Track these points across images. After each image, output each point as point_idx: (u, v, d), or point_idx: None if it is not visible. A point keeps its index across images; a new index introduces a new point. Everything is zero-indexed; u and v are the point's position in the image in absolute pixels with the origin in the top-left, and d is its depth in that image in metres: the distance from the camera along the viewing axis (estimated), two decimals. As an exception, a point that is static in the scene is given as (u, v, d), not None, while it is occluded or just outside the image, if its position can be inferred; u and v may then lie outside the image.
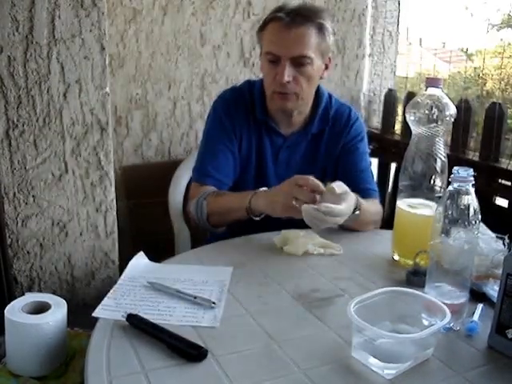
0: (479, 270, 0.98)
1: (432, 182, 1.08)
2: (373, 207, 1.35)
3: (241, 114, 1.40)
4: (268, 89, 1.35)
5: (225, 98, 1.44)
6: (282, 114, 1.40)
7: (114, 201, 1.31)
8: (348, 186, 1.17)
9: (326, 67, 1.37)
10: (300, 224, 1.27)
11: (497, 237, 1.04)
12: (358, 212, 1.21)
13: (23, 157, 1.18)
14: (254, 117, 1.41)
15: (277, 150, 1.43)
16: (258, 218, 1.24)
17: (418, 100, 1.08)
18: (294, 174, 1.34)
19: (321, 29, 1.29)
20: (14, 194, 1.19)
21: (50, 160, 1.21)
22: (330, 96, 1.46)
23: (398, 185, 1.12)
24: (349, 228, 1.30)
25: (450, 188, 0.88)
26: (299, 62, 1.28)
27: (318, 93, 1.42)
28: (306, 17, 1.28)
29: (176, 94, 1.93)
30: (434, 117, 1.05)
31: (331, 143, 1.44)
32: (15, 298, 1.01)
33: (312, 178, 1.13)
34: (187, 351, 0.77)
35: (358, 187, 1.31)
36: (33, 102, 1.16)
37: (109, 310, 0.91)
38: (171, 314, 0.89)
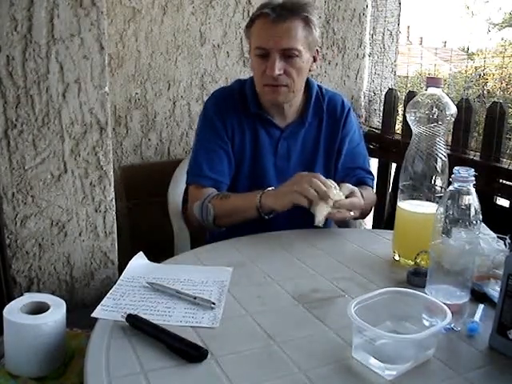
0: (480, 271, 0.98)
1: (433, 181, 1.07)
2: (370, 196, 1.45)
3: (231, 110, 1.42)
4: (258, 83, 1.37)
5: (215, 97, 1.47)
6: (275, 107, 1.42)
7: (114, 201, 1.31)
8: (347, 177, 1.41)
9: (314, 59, 1.41)
10: (299, 224, 1.27)
11: (498, 237, 1.04)
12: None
13: (22, 157, 1.17)
14: (246, 112, 1.42)
15: (275, 141, 1.44)
16: (267, 217, 1.27)
17: (419, 100, 1.07)
18: (295, 166, 1.44)
19: (307, 22, 1.33)
20: (13, 194, 1.19)
21: (49, 160, 1.20)
22: (319, 87, 1.50)
23: (399, 185, 1.12)
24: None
25: (451, 188, 0.87)
26: (288, 55, 1.32)
27: (308, 85, 1.46)
28: (291, 11, 1.31)
29: (175, 94, 1.93)
30: (435, 116, 1.05)
31: (330, 134, 1.48)
32: (14, 298, 1.01)
33: (319, 175, 1.23)
34: (187, 352, 0.77)
35: (356, 179, 1.46)
36: (32, 101, 1.16)
37: (108, 310, 0.90)
38: (171, 314, 0.89)
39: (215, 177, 1.39)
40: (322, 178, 1.22)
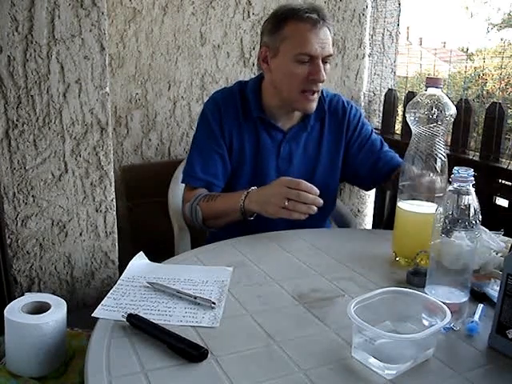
0: (485, 269, 0.98)
1: (432, 182, 1.07)
2: None
3: (230, 113, 1.41)
4: (295, 89, 1.33)
5: (214, 99, 1.46)
6: (284, 111, 1.41)
7: (114, 201, 1.31)
8: (377, 168, 1.42)
9: None
10: (299, 224, 1.27)
11: (493, 233, 1.04)
12: None
13: (23, 157, 1.18)
14: (246, 115, 1.42)
15: (278, 144, 1.44)
16: (251, 218, 1.27)
17: (418, 100, 1.07)
18: (297, 168, 1.41)
19: (330, 28, 1.34)
20: (14, 193, 1.19)
21: (50, 160, 1.21)
22: None
23: (399, 185, 1.12)
24: None
25: (451, 188, 0.87)
26: (326, 61, 1.33)
27: None
28: (323, 16, 1.31)
29: (176, 94, 1.93)
30: (434, 117, 1.05)
31: (333, 137, 1.47)
32: (15, 298, 1.01)
33: (303, 181, 1.17)
34: (187, 351, 0.77)
35: (387, 161, 1.43)
36: (32, 101, 1.16)
37: (109, 310, 0.91)
38: (171, 314, 0.89)
39: (207, 178, 1.39)
40: (306, 184, 1.17)
